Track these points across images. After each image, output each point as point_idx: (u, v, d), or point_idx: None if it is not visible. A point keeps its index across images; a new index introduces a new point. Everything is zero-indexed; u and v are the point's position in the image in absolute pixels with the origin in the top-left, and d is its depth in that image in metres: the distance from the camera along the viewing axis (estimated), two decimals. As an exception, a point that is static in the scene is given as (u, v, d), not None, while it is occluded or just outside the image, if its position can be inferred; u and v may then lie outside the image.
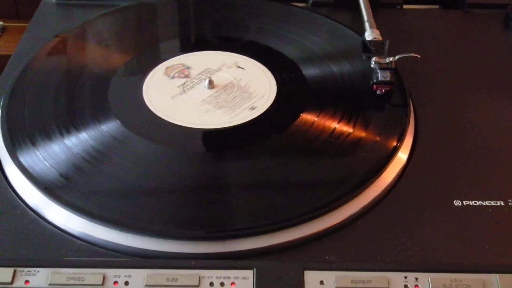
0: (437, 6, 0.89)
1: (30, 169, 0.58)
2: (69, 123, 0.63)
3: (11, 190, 0.58)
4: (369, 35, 0.72)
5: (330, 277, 0.50)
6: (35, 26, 0.83)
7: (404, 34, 0.81)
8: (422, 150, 0.63)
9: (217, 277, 0.50)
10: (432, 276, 0.50)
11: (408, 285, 0.50)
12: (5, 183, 0.59)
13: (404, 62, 0.68)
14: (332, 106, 0.65)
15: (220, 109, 0.65)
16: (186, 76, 0.70)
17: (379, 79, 0.67)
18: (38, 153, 0.60)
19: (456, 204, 0.57)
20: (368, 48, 0.70)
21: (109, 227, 0.53)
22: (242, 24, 0.80)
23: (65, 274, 0.50)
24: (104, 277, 0.50)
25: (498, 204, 0.57)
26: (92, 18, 0.81)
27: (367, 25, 0.75)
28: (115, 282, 0.49)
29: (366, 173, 0.58)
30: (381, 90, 0.67)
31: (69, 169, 0.58)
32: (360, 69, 0.70)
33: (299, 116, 0.64)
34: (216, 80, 0.69)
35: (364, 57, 0.69)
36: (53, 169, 0.58)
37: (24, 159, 0.59)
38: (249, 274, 0.50)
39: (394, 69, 0.68)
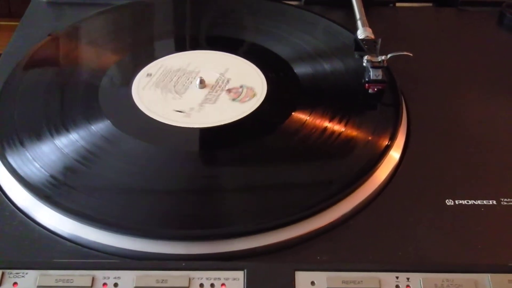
0: (430, 4, 0.89)
1: (19, 170, 0.57)
2: (59, 123, 0.63)
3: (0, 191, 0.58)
4: (361, 33, 0.72)
5: (321, 277, 0.50)
6: (25, 25, 0.82)
7: (397, 32, 0.81)
8: (415, 149, 0.62)
9: (207, 278, 0.50)
10: (424, 276, 0.50)
11: (400, 285, 0.49)
12: (-6, 184, 0.58)
13: (396, 60, 0.68)
14: (324, 105, 0.65)
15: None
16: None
17: (371, 77, 0.66)
18: (27, 153, 0.59)
19: (448, 204, 0.57)
20: (360, 47, 0.70)
21: (98, 228, 0.53)
22: (233, 23, 0.80)
23: (53, 276, 0.49)
24: (93, 279, 0.49)
25: (491, 203, 0.57)
26: (83, 18, 0.80)
27: (359, 23, 0.74)
28: (104, 284, 0.49)
29: (358, 172, 0.58)
30: (373, 89, 0.66)
31: (58, 170, 0.58)
32: (352, 67, 0.70)
33: (290, 115, 0.64)
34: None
35: (356, 55, 0.69)
36: (42, 170, 0.58)
37: (13, 159, 0.59)
38: (240, 275, 0.50)
39: (386, 68, 0.67)
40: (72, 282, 0.49)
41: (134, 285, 0.49)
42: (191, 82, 0.69)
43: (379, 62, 0.67)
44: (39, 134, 0.62)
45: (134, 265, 0.50)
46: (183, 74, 0.70)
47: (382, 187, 0.58)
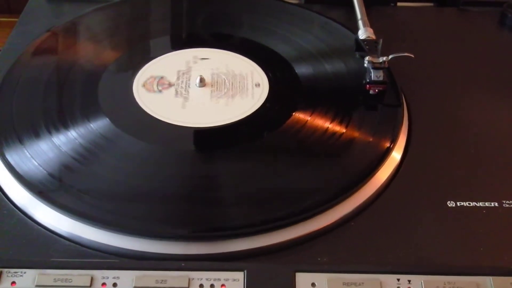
0: (431, 4, 0.89)
1: (17, 168, 0.57)
2: (58, 121, 0.62)
3: (-3, 189, 0.57)
4: (362, 33, 0.72)
5: (321, 279, 0.49)
6: (24, 21, 0.82)
7: (398, 32, 0.80)
8: (416, 150, 0.62)
9: (207, 279, 0.49)
10: (425, 278, 0.49)
11: (401, 287, 0.49)
12: (-8, 182, 0.58)
13: (398, 61, 0.67)
14: (325, 105, 0.65)
15: (233, 97, 0.65)
16: (170, 85, 0.69)
17: (372, 78, 0.66)
18: (26, 151, 0.59)
19: (450, 205, 0.57)
20: (361, 47, 0.69)
21: (97, 228, 0.52)
22: (233, 21, 0.80)
23: (52, 275, 0.49)
24: (92, 279, 0.49)
25: (493, 205, 0.57)
26: (83, 13, 0.79)
27: (360, 23, 0.74)
28: (103, 284, 0.49)
29: (359, 173, 0.57)
30: (374, 90, 0.66)
31: (57, 168, 0.58)
32: (353, 67, 0.70)
33: (291, 115, 0.63)
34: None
35: (357, 55, 0.69)
36: (41, 168, 0.57)
37: (12, 157, 0.58)
38: (240, 276, 0.49)
39: (387, 69, 0.67)
40: (70, 281, 0.49)
41: (133, 285, 0.49)
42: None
43: (380, 63, 0.66)
44: (38, 132, 0.61)
45: (133, 265, 0.50)
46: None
47: (383, 188, 0.58)
